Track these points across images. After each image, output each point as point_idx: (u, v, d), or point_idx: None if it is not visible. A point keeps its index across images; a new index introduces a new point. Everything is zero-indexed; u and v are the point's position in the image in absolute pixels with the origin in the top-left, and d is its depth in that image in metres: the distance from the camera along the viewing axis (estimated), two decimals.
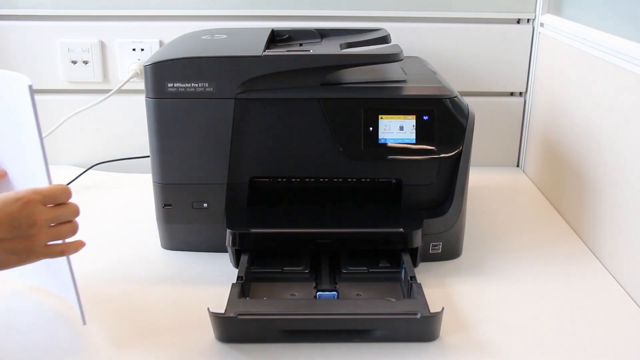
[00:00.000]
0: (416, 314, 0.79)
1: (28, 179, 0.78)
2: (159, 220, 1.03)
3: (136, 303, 0.90)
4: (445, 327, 0.82)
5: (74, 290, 0.78)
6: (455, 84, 1.05)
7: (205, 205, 1.00)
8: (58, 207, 0.73)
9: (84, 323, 0.80)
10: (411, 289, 0.86)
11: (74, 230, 0.74)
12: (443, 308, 0.80)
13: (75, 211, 0.74)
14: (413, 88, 1.00)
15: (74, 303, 0.80)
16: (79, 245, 0.75)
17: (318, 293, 0.89)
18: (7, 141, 0.80)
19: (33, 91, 0.70)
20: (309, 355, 0.79)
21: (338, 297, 0.89)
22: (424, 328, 0.80)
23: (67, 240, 0.75)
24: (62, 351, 0.79)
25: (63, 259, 0.76)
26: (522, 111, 1.43)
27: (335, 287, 0.91)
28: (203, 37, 1.11)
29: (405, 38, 1.32)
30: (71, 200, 0.74)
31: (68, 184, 1.29)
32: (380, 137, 0.97)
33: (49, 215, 0.71)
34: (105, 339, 0.82)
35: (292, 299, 0.88)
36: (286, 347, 0.80)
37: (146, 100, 0.97)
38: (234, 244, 0.95)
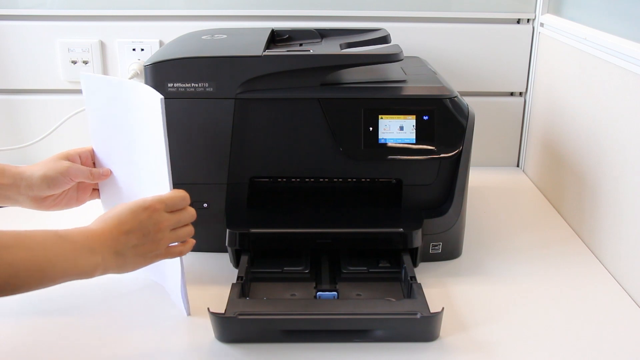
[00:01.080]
0: (416, 314, 0.79)
1: (149, 182, 0.86)
2: None
3: (136, 303, 0.90)
4: (445, 327, 0.82)
5: (182, 284, 0.85)
6: (455, 84, 1.05)
7: (205, 205, 1.00)
8: (179, 213, 0.80)
9: (188, 314, 0.87)
10: (411, 289, 0.86)
11: (190, 233, 0.82)
12: (443, 308, 0.80)
13: (193, 215, 0.82)
14: (413, 88, 1.00)
15: (177, 296, 0.87)
16: (192, 244, 0.82)
17: (318, 293, 0.89)
18: (132, 145, 0.87)
19: (164, 105, 0.78)
20: (309, 355, 0.79)
21: (338, 297, 0.89)
22: (424, 328, 0.80)
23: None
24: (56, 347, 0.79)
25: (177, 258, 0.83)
26: (522, 111, 1.43)
27: (335, 287, 0.91)
28: (203, 37, 1.11)
29: (405, 38, 1.32)
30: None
31: None
32: (380, 137, 0.97)
33: (171, 221, 0.79)
34: (105, 338, 0.82)
35: (292, 299, 0.88)
36: (286, 347, 0.80)
37: None
38: (234, 244, 0.95)
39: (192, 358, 0.78)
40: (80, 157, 0.94)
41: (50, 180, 0.89)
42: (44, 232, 0.71)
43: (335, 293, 0.89)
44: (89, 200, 0.97)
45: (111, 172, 0.94)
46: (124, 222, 0.76)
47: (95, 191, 0.98)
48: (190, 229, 0.82)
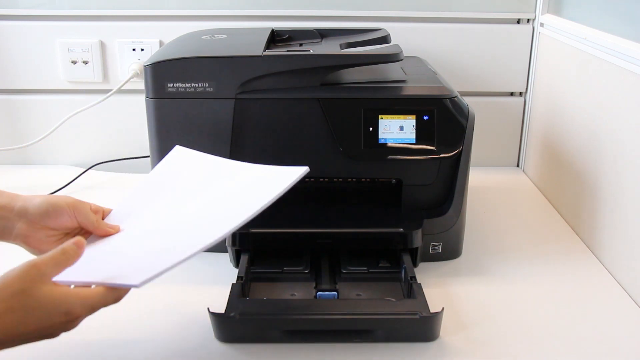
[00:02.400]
0: (416, 314, 0.79)
1: (161, 245, 0.74)
2: None
3: (136, 302, 0.89)
4: (445, 327, 0.82)
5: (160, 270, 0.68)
6: (455, 84, 1.05)
7: None
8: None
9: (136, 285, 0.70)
10: (411, 289, 0.86)
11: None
12: (443, 308, 0.80)
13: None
14: (413, 88, 1.00)
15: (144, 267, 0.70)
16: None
17: (318, 293, 0.89)
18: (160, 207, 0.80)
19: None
20: (309, 355, 0.79)
21: (338, 297, 0.88)
22: (424, 328, 0.80)
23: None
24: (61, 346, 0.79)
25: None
26: (522, 111, 1.43)
27: (335, 287, 0.91)
28: (203, 37, 1.11)
29: (405, 38, 1.32)
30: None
31: (68, 184, 1.29)
32: (380, 137, 0.97)
33: (86, 316, 0.66)
34: (105, 337, 0.82)
35: (292, 299, 0.88)
36: (286, 347, 0.80)
37: (146, 100, 0.97)
38: (234, 244, 0.95)
39: (192, 358, 0.78)
40: (90, 207, 0.81)
41: (51, 205, 0.76)
42: None
43: (335, 293, 0.89)
44: None
45: (119, 231, 0.80)
46: (28, 324, 0.61)
47: None
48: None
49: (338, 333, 0.81)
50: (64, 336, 0.82)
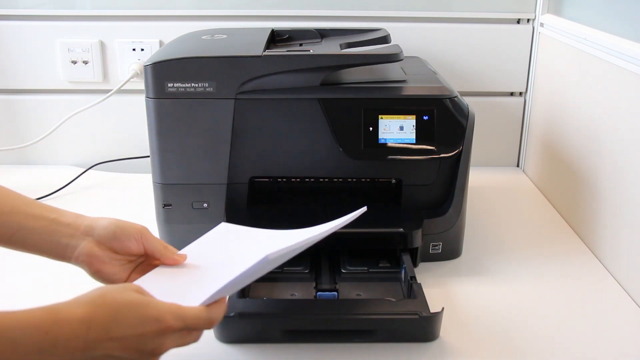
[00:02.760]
0: (416, 314, 0.79)
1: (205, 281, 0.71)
2: (159, 220, 1.03)
3: None
4: (445, 327, 0.82)
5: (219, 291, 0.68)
6: (455, 84, 1.05)
7: (205, 205, 1.00)
8: (188, 334, 0.63)
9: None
10: (411, 289, 0.86)
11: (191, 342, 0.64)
12: (443, 308, 0.80)
13: (197, 340, 0.65)
14: (413, 88, 1.00)
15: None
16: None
17: (318, 293, 0.89)
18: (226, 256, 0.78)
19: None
20: (309, 355, 0.79)
21: (338, 297, 0.88)
22: (424, 328, 0.80)
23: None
24: None
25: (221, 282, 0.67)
26: (522, 111, 1.43)
27: (335, 287, 0.91)
28: (203, 37, 1.11)
29: (405, 38, 1.32)
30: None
31: (68, 184, 1.29)
32: (380, 137, 0.97)
33: (175, 344, 0.62)
34: None
35: (292, 299, 0.88)
36: (286, 347, 0.80)
37: (146, 100, 0.97)
38: None
39: (192, 358, 0.78)
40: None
41: (119, 228, 0.74)
42: None
43: (335, 293, 0.89)
44: None
45: (185, 260, 0.77)
46: (117, 325, 0.57)
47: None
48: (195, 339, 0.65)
49: (338, 333, 0.81)
50: None
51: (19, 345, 0.52)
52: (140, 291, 0.62)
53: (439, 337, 0.82)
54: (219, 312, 0.66)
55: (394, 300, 0.84)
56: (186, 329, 0.62)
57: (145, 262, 0.77)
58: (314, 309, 0.82)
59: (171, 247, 0.77)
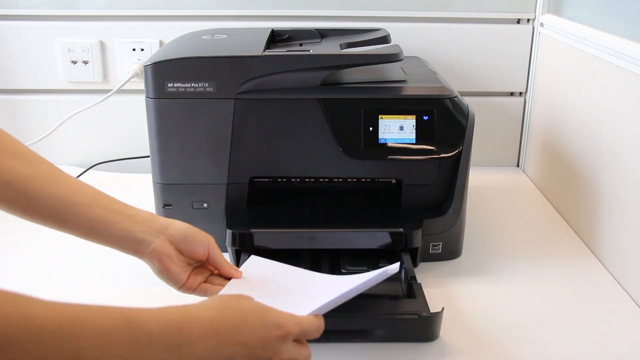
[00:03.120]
0: (416, 314, 0.79)
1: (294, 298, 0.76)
2: None
3: (136, 303, 0.89)
4: (445, 327, 0.82)
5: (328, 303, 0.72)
6: (455, 84, 1.05)
7: (205, 205, 1.00)
8: (301, 348, 0.66)
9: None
10: (411, 289, 0.86)
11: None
12: (443, 308, 0.80)
13: (308, 356, 0.67)
14: (413, 88, 1.00)
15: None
16: None
17: None
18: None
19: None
20: None
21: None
22: (424, 328, 0.80)
23: None
24: None
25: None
26: (522, 111, 1.43)
27: None
28: (203, 37, 1.11)
29: (405, 38, 1.32)
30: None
31: None
32: (380, 137, 0.97)
33: (290, 355, 0.64)
34: None
35: None
36: None
37: (146, 100, 0.97)
38: (234, 244, 0.95)
39: None
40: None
41: (191, 231, 0.79)
42: (111, 317, 0.52)
43: None
44: (187, 292, 0.80)
45: (241, 275, 0.82)
46: (244, 329, 0.59)
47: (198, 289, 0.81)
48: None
49: (338, 333, 0.81)
50: None
51: (152, 339, 0.53)
52: (254, 300, 0.65)
53: (439, 337, 0.82)
54: (323, 322, 0.69)
55: (394, 300, 0.84)
56: (300, 337, 0.65)
57: (199, 267, 0.81)
58: None
59: (228, 264, 0.82)
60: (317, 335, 0.68)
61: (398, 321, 0.80)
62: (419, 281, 0.87)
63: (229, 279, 0.81)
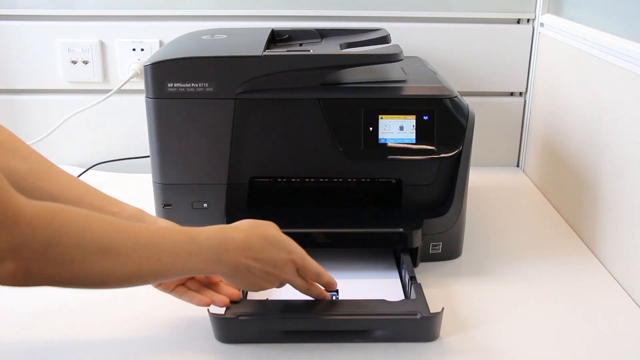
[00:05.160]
0: (416, 314, 0.79)
1: None
2: None
3: (136, 303, 0.90)
4: (445, 327, 0.82)
5: None
6: (455, 84, 1.05)
7: (205, 205, 1.00)
8: (300, 277, 0.80)
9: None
10: (411, 289, 0.86)
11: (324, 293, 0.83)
12: (443, 308, 0.80)
13: (302, 286, 0.81)
14: (413, 88, 1.00)
15: None
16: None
17: None
18: None
19: None
20: (309, 356, 0.79)
21: (338, 297, 0.88)
22: (424, 328, 0.80)
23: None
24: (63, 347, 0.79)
25: None
26: (522, 111, 1.43)
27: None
28: (203, 37, 1.11)
29: (405, 38, 1.32)
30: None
31: None
32: (380, 137, 0.97)
33: (290, 277, 0.78)
34: (105, 338, 0.82)
35: (292, 299, 0.88)
36: (286, 347, 0.80)
37: (146, 100, 0.97)
38: None
39: (192, 358, 0.78)
40: None
41: None
42: (174, 232, 0.70)
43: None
44: (164, 291, 0.83)
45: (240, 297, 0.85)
46: (261, 249, 0.75)
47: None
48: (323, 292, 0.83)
49: (338, 333, 0.81)
50: (63, 335, 0.83)
51: (203, 250, 0.71)
52: (278, 229, 0.79)
53: (439, 337, 0.82)
54: (334, 280, 0.82)
55: (393, 300, 0.84)
56: (303, 268, 0.78)
57: (203, 284, 0.84)
58: (313, 310, 0.82)
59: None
60: (317, 278, 0.80)
61: (398, 321, 0.80)
62: (419, 281, 0.87)
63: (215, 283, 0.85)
